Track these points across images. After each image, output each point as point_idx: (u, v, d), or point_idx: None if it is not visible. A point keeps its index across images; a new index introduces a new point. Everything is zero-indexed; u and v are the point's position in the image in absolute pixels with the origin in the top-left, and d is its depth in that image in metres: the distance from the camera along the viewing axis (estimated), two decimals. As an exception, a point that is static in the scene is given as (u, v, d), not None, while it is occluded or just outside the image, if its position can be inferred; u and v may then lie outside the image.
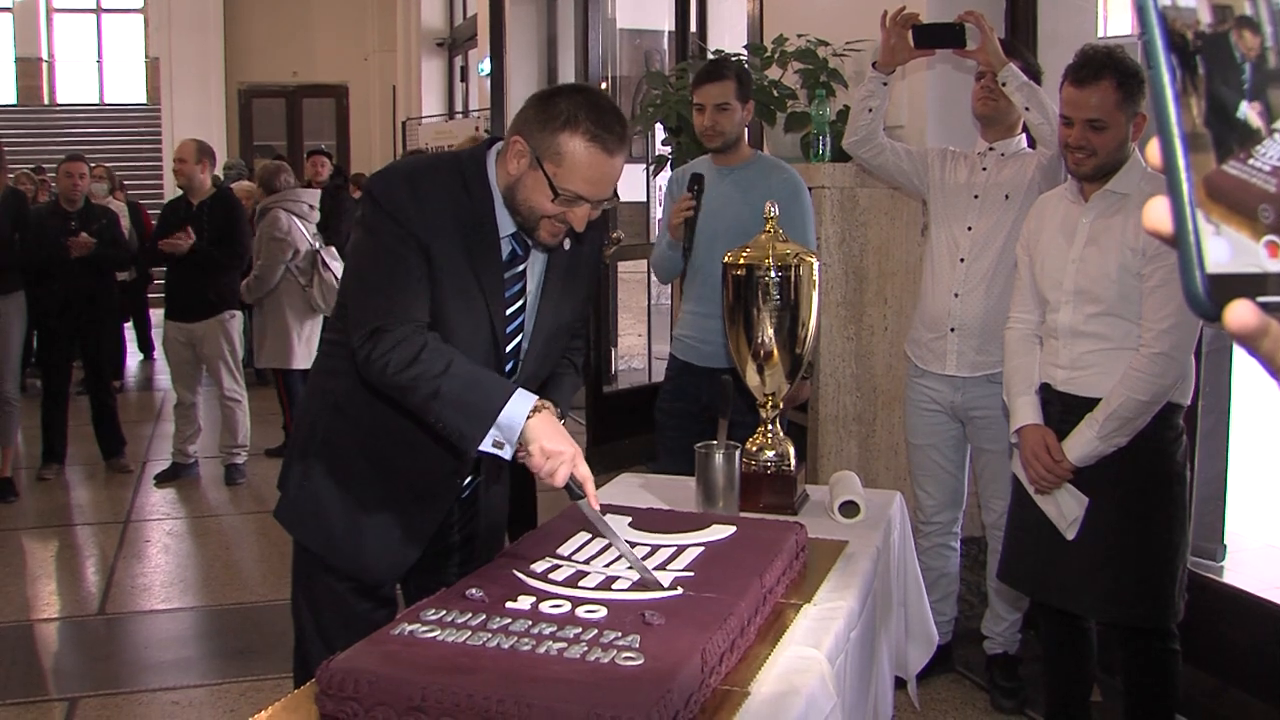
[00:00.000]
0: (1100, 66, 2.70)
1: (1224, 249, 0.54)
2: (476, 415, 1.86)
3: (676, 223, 3.60)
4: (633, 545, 2.00)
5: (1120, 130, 2.72)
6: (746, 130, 3.70)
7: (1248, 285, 0.54)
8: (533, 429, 1.85)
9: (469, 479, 2.24)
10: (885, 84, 3.40)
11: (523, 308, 2.11)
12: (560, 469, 1.86)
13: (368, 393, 2.08)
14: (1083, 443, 2.73)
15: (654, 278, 6.15)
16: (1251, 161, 0.54)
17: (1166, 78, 0.55)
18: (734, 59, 4.23)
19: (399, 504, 2.16)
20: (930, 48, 3.37)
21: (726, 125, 3.62)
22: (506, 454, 1.88)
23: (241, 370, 6.43)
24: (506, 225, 2.04)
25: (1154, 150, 0.56)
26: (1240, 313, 0.54)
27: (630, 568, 1.86)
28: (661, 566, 1.88)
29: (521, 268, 2.09)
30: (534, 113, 1.96)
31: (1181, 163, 0.55)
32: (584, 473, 1.89)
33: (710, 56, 4.53)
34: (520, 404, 1.86)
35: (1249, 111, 0.54)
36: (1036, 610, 3.32)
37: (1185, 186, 0.55)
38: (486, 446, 1.87)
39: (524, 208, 1.99)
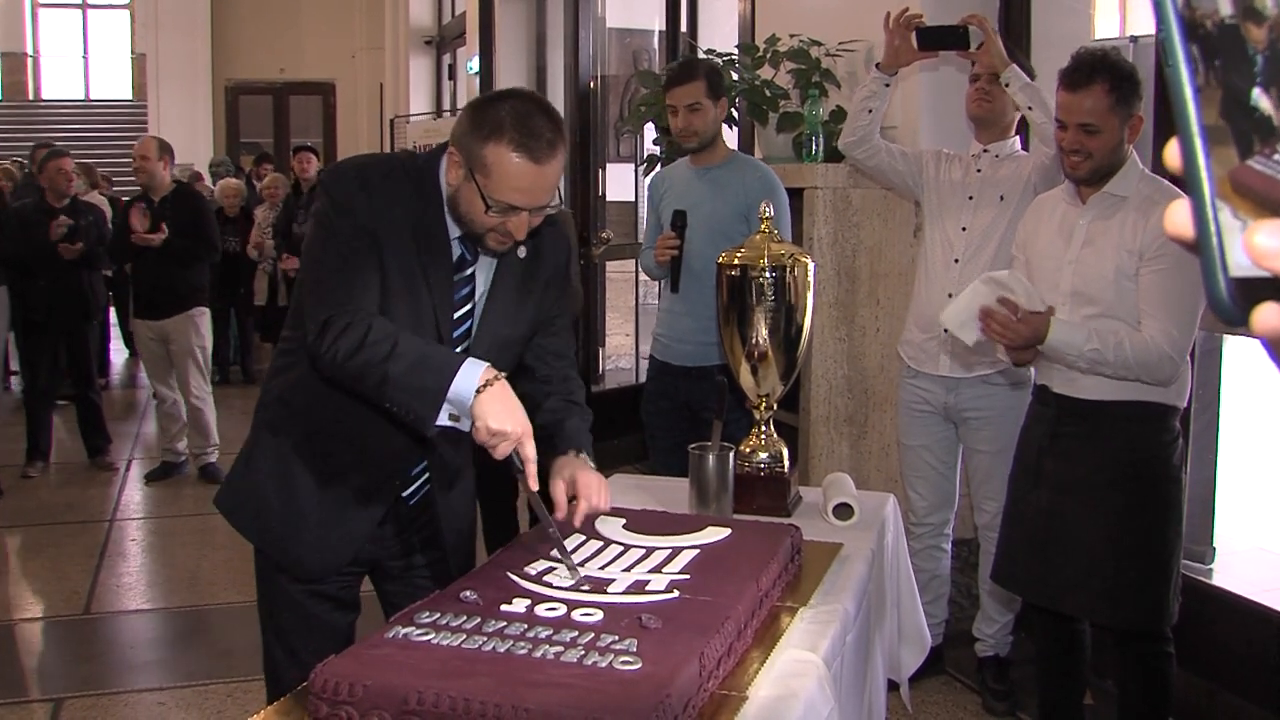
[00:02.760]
0: (1093, 70, 2.68)
1: None
2: (427, 395, 1.83)
3: (663, 260, 3.69)
4: (627, 547, 1.99)
5: (1114, 134, 2.70)
6: (736, 130, 3.71)
7: (1273, 288, 0.52)
8: (480, 405, 1.81)
9: (416, 486, 2.22)
10: (887, 85, 3.41)
11: (471, 311, 2.08)
12: (502, 445, 1.83)
13: (313, 390, 2.06)
14: (1069, 341, 2.65)
15: (643, 275, 6.20)
16: (1277, 157, 0.52)
17: (1185, 72, 0.53)
18: (716, 59, 4.23)
19: (337, 502, 2.14)
20: (934, 49, 3.40)
21: (700, 125, 3.64)
22: (465, 426, 1.85)
23: (209, 369, 6.42)
24: (455, 228, 2.01)
25: (1172, 151, 0.54)
26: (1268, 317, 0.52)
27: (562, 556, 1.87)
28: (657, 569, 1.87)
29: (470, 271, 2.06)
30: (467, 123, 1.92)
31: (1202, 161, 0.53)
32: (528, 453, 1.86)
33: (701, 56, 4.52)
34: (468, 378, 1.82)
35: (1266, 105, 0.53)
36: (1030, 612, 3.31)
37: (1207, 186, 0.53)
38: (444, 422, 1.85)
39: (465, 218, 1.96)
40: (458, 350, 2.07)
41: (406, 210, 1.98)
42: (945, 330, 2.98)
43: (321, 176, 2.07)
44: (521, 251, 2.06)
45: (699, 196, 3.67)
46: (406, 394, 1.85)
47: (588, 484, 2.00)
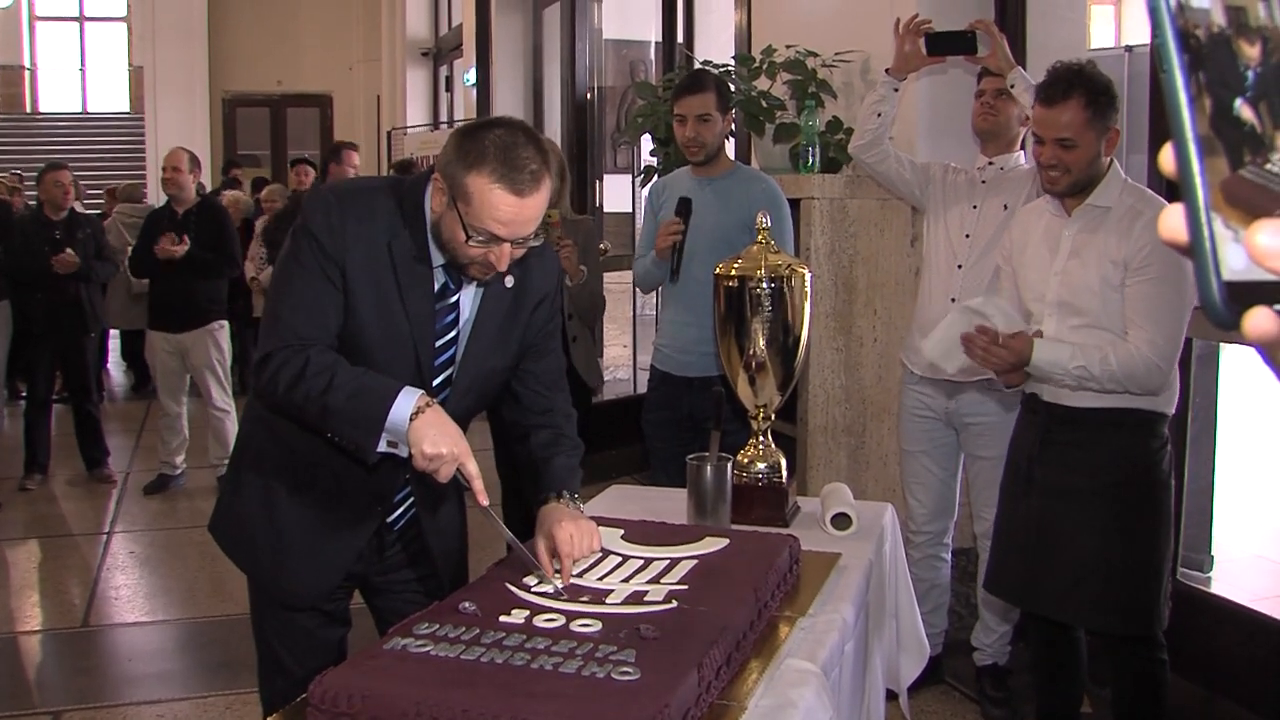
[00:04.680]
0: (1069, 85, 2.70)
1: (1241, 255, 0.53)
2: (365, 425, 1.85)
3: (664, 246, 3.66)
4: (625, 558, 1.99)
5: (1091, 147, 2.72)
6: (733, 141, 3.72)
7: (1266, 292, 0.53)
8: (413, 432, 1.82)
9: (401, 510, 2.22)
10: (896, 90, 3.47)
11: (454, 339, 2.07)
12: (443, 468, 1.84)
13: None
14: (1054, 360, 2.66)
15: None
16: (1269, 167, 0.53)
17: (1180, 79, 0.54)
18: (714, 70, 4.24)
19: (322, 529, 2.14)
20: (943, 55, 3.46)
21: (708, 136, 3.64)
22: (403, 453, 1.86)
23: (230, 380, 6.40)
24: (439, 255, 2.00)
25: (1167, 157, 0.55)
26: (1259, 321, 0.53)
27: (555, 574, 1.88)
28: (655, 579, 1.87)
29: (454, 299, 2.05)
30: (452, 150, 1.90)
31: (1196, 167, 0.54)
32: (470, 470, 1.87)
33: (698, 67, 4.54)
34: (403, 406, 1.83)
35: (1249, 115, 0.54)
36: (1026, 620, 3.32)
37: (1200, 192, 0.54)
38: (384, 449, 1.87)
39: (447, 247, 1.95)
40: (442, 376, 2.07)
41: (389, 237, 1.97)
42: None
43: (304, 197, 2.06)
44: (509, 280, 2.04)
45: (704, 208, 3.66)
46: (346, 424, 1.87)
47: (566, 539, 1.93)
